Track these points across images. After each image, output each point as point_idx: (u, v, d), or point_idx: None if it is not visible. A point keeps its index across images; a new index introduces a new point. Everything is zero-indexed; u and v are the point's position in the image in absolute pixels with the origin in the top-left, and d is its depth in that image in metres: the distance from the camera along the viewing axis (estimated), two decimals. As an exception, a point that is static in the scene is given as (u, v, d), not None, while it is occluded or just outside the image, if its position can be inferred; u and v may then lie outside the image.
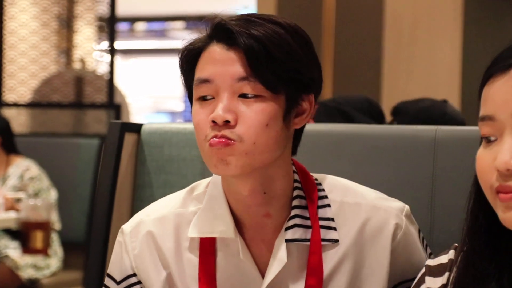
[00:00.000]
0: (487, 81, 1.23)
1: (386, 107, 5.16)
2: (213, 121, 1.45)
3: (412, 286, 1.46)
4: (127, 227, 1.71)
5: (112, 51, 5.58)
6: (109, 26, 5.69)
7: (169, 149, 2.18)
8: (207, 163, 1.53)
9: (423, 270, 1.44)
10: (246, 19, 1.52)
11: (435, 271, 1.42)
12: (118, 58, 5.84)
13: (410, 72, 5.71)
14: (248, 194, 1.54)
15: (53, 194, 4.88)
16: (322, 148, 2.00)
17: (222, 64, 1.50)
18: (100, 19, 9.10)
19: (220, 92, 1.48)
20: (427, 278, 1.42)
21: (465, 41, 5.67)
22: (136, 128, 2.21)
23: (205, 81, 1.50)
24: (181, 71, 1.62)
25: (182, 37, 2.53)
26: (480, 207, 1.30)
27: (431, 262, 1.44)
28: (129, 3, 11.53)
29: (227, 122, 1.45)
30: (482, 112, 1.22)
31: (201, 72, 1.52)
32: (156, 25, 16.39)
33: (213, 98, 1.50)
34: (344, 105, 3.51)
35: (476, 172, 1.25)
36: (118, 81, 5.80)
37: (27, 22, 6.80)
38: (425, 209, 1.81)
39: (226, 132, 1.45)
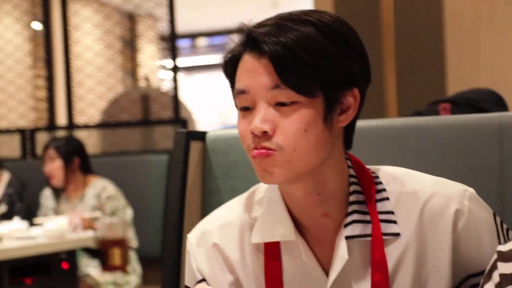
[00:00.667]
0: None
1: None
2: (252, 133, 1.46)
3: (485, 273, 1.44)
4: (192, 237, 1.74)
5: (175, 68, 5.61)
6: (170, 43, 5.71)
7: (233, 154, 2.18)
8: (255, 171, 1.54)
9: (495, 256, 1.42)
10: (277, 25, 1.50)
11: (507, 256, 1.41)
12: (181, 75, 5.85)
13: (475, 66, 5.62)
14: (302, 196, 1.55)
15: (129, 213, 4.95)
16: (385, 142, 1.99)
17: (255, 74, 1.50)
18: (162, 37, 9.24)
19: (257, 102, 1.49)
20: (499, 264, 1.40)
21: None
22: (201, 136, 2.23)
23: (242, 92, 1.50)
24: (227, 79, 1.62)
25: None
26: None
27: (502, 247, 1.42)
28: (189, 19, 11.65)
29: (265, 132, 1.45)
30: None
31: (238, 83, 1.52)
32: (217, 40, 16.35)
33: (253, 108, 1.50)
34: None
35: None
36: (183, 97, 5.83)
37: (92, 45, 6.90)
38: (494, 197, 1.77)
39: (266, 143, 1.45)
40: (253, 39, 1.48)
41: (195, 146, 2.22)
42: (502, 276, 1.39)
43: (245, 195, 1.72)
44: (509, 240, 1.53)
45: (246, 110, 1.50)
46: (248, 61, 1.50)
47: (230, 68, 1.56)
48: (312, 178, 1.52)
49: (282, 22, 1.48)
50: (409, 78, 5.75)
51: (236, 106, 1.59)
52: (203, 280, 1.71)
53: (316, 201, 1.55)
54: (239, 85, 1.51)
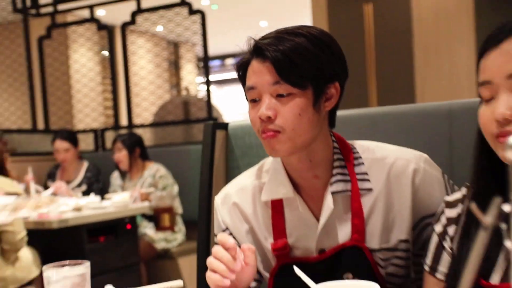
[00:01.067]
0: (483, 55, 1.25)
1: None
2: (260, 118, 1.50)
3: (435, 217, 1.48)
4: (218, 198, 1.77)
5: (208, 82, 5.59)
6: (204, 63, 5.73)
7: (249, 138, 2.18)
8: (265, 148, 1.56)
9: (443, 204, 1.46)
10: (277, 37, 1.53)
11: (452, 204, 1.44)
12: (213, 87, 5.88)
13: (437, 66, 5.53)
14: (299, 164, 1.58)
15: (175, 188, 5.05)
16: (366, 126, 1.99)
17: (260, 74, 1.52)
18: (198, 58, 9.27)
19: (262, 95, 1.52)
20: (446, 210, 1.44)
21: (477, 45, 5.45)
22: (224, 126, 2.25)
23: (251, 88, 1.54)
24: (239, 80, 1.65)
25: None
26: (483, 154, 1.32)
27: (448, 198, 1.47)
28: (219, 44, 11.57)
29: (269, 118, 1.49)
30: (481, 78, 1.25)
31: (248, 81, 1.56)
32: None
33: (260, 100, 1.54)
34: None
35: (480, 125, 1.28)
36: (214, 103, 5.88)
37: (145, 65, 6.97)
38: (445, 162, 1.73)
39: (270, 125, 1.49)
40: (258, 48, 1.51)
41: (219, 134, 2.24)
42: (448, 218, 1.43)
43: (256, 167, 1.75)
44: (453, 192, 1.53)
45: (254, 102, 1.54)
46: (255, 65, 1.53)
47: (241, 71, 1.59)
48: (306, 150, 1.55)
49: (280, 35, 1.52)
50: (386, 88, 5.70)
51: (247, 99, 1.61)
52: (227, 229, 1.73)
53: (309, 166, 1.59)
54: (248, 83, 1.54)
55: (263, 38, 1.55)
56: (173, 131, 5.69)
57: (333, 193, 1.57)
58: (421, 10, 5.61)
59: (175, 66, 8.80)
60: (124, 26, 6.11)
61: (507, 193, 1.23)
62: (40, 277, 3.82)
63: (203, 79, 6.12)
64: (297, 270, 1.33)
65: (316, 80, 1.54)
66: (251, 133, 2.14)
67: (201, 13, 5.65)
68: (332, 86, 1.57)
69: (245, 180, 1.74)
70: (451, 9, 5.54)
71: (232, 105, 15.47)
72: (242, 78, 1.61)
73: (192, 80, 7.35)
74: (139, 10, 5.88)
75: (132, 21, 5.97)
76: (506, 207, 0.68)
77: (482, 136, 1.31)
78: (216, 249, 1.42)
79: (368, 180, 1.60)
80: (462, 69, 5.39)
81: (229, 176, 2.25)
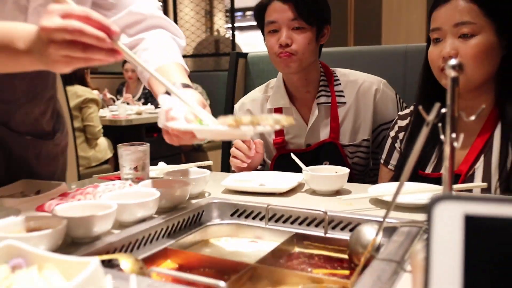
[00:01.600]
0: (436, 7, 1.25)
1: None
2: (280, 44, 1.50)
3: (390, 127, 1.50)
4: (236, 106, 1.79)
5: (233, 26, 5.53)
6: (231, 14, 5.63)
7: (262, 65, 2.18)
8: (277, 68, 1.58)
9: (396, 117, 1.48)
10: None
11: (403, 117, 1.46)
12: (237, 32, 5.77)
13: (398, 21, 5.35)
14: (298, 81, 1.59)
15: (208, 102, 4.92)
16: (345, 61, 1.91)
17: (281, 11, 1.51)
18: (226, 9, 9.05)
19: (282, 27, 1.51)
20: (398, 121, 1.46)
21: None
22: (245, 55, 2.24)
23: (272, 22, 1.53)
24: (256, 17, 1.61)
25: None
26: (427, 80, 1.32)
27: (401, 112, 1.49)
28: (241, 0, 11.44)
29: (287, 44, 1.50)
30: (433, 25, 1.26)
31: (269, 17, 1.53)
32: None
33: (277, 31, 1.53)
34: None
35: (429, 60, 1.28)
36: (238, 42, 5.78)
37: (188, 12, 6.82)
38: (400, 89, 1.67)
39: (287, 49, 1.50)
40: None
41: (241, 61, 2.23)
42: (399, 127, 1.45)
43: (264, 85, 1.75)
44: (404, 109, 1.53)
45: (273, 32, 1.53)
46: (277, 4, 1.51)
47: (261, 9, 1.57)
48: (305, 70, 1.55)
49: None
50: (360, 21, 5.51)
51: (262, 32, 1.61)
52: None
53: (304, 84, 1.60)
54: (270, 18, 1.53)
55: None
56: (207, 61, 5.63)
57: (318, 104, 1.59)
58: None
59: (210, 14, 8.61)
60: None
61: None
62: (112, 157, 3.96)
63: (229, 25, 5.93)
64: (293, 155, 1.33)
65: (319, 20, 1.54)
66: (264, 61, 2.18)
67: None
68: (326, 27, 1.58)
69: (255, 93, 1.74)
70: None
71: (249, 45, 15.19)
72: (261, 15, 1.58)
73: (222, 25, 7.20)
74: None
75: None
76: (443, 109, 0.69)
77: (427, 68, 1.31)
78: (237, 142, 1.45)
79: (343, 96, 1.60)
80: (416, 17, 5.18)
81: (247, 92, 2.14)
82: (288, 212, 1.01)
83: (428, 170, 1.33)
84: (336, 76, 1.63)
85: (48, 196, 1.04)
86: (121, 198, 0.95)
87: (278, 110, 1.63)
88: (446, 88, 1.17)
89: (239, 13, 15.42)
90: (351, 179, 1.29)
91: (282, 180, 1.26)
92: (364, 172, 1.62)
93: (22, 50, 0.79)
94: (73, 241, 0.83)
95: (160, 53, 1.13)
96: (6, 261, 0.64)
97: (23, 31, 0.79)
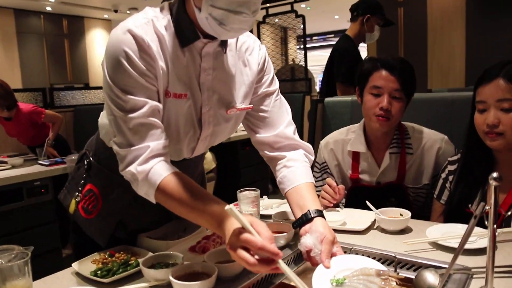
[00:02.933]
0: (481, 84, 1.28)
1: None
2: (381, 108, 1.48)
3: (442, 168, 1.49)
4: (322, 142, 1.73)
5: (305, 53, 5.56)
6: (303, 40, 5.64)
7: (335, 109, 2.15)
8: (371, 123, 1.53)
9: (447, 162, 1.48)
10: (399, 60, 1.50)
11: (452, 162, 1.47)
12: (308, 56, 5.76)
13: (440, 62, 5.17)
14: (379, 133, 1.56)
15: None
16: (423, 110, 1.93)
17: (387, 80, 1.48)
18: (298, 36, 9.03)
19: (384, 93, 1.48)
20: (448, 165, 1.47)
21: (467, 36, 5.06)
22: (322, 101, 2.23)
23: (377, 87, 1.49)
24: (359, 77, 1.56)
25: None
26: (472, 136, 1.34)
27: (450, 158, 1.48)
28: (312, 27, 11.37)
29: (387, 110, 1.48)
30: (479, 98, 1.29)
31: (375, 81, 1.50)
32: (322, 37, 15.21)
33: (379, 95, 1.49)
34: None
35: (475, 124, 1.31)
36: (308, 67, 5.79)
37: (269, 41, 6.88)
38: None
39: (386, 113, 1.48)
40: (390, 64, 1.48)
41: (319, 105, 2.23)
42: (449, 170, 1.46)
43: (346, 128, 1.71)
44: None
45: (376, 96, 1.49)
46: (385, 73, 1.48)
47: (368, 74, 1.52)
48: (387, 130, 1.55)
49: (399, 61, 1.50)
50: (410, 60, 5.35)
51: (361, 88, 1.55)
52: (324, 162, 1.71)
53: (383, 136, 1.57)
54: (376, 83, 1.49)
55: (389, 59, 1.50)
56: (285, 84, 5.69)
57: (390, 153, 1.57)
58: (431, 12, 5.21)
59: (284, 42, 8.71)
60: (259, 23, 6.08)
61: (488, 163, 1.27)
62: (215, 168, 4.05)
63: (301, 46, 5.89)
64: (368, 203, 1.37)
65: (411, 94, 1.53)
66: (338, 105, 2.17)
67: (303, 16, 5.52)
68: (410, 99, 1.55)
69: (338, 135, 1.71)
70: (450, 9, 5.10)
71: (312, 61, 14.95)
72: (365, 77, 1.53)
73: (295, 53, 7.23)
74: (267, 15, 5.80)
75: (263, 21, 5.90)
76: (486, 207, 0.76)
77: (473, 128, 1.34)
78: (325, 187, 1.47)
79: (411, 148, 1.57)
80: (456, 54, 4.99)
81: (325, 129, 2.22)
82: (366, 253, 1.11)
83: (474, 207, 1.36)
84: (407, 130, 1.61)
85: (194, 238, 1.21)
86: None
87: (356, 153, 1.63)
88: (490, 147, 1.21)
89: (308, 38, 15.26)
90: (413, 211, 1.32)
91: (359, 219, 1.35)
92: (423, 207, 1.61)
93: (219, 230, 0.89)
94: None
95: (299, 172, 1.16)
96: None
97: (224, 227, 0.87)
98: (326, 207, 1.48)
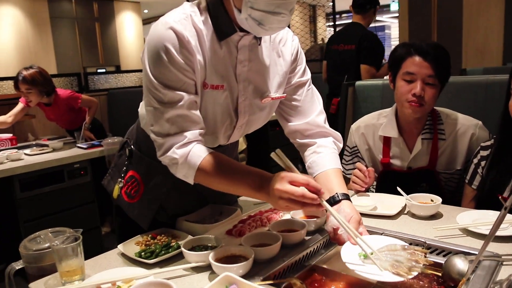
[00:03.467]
0: None
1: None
2: (414, 94, 1.47)
3: (474, 154, 1.49)
4: (353, 126, 1.75)
5: (335, 29, 5.47)
6: (332, 18, 5.54)
7: (366, 92, 2.16)
8: (403, 109, 1.52)
9: (479, 147, 1.48)
10: (434, 46, 1.48)
11: (485, 148, 1.47)
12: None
13: (476, 39, 4.98)
14: (413, 119, 1.56)
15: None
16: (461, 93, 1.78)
17: (421, 67, 1.47)
18: (327, 14, 8.89)
19: (417, 79, 1.48)
20: (481, 151, 1.47)
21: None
22: (353, 84, 2.23)
23: (411, 73, 1.49)
24: (392, 62, 1.56)
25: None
26: (506, 123, 1.34)
27: (483, 144, 1.48)
28: (341, 4, 11.10)
29: (420, 95, 1.48)
30: None
31: (408, 68, 1.49)
32: (351, 14, 14.42)
33: (412, 82, 1.49)
34: None
35: (510, 109, 1.30)
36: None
37: (298, 20, 6.80)
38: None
39: (419, 99, 1.48)
40: (423, 50, 1.47)
41: (350, 89, 2.24)
42: (481, 156, 1.46)
43: (377, 112, 1.72)
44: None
45: (408, 82, 1.49)
46: (418, 60, 1.47)
47: (401, 59, 1.51)
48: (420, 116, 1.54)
49: (434, 46, 1.48)
50: (446, 37, 5.20)
51: (394, 74, 1.54)
52: (355, 146, 1.72)
53: (415, 121, 1.58)
54: (409, 69, 1.47)
55: (423, 45, 1.48)
56: (314, 64, 5.64)
57: (422, 139, 1.58)
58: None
59: (314, 21, 8.58)
60: None
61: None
62: (246, 149, 4.02)
63: (331, 23, 5.81)
64: (399, 189, 1.38)
65: (445, 80, 1.52)
66: (368, 89, 2.17)
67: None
68: (445, 85, 1.54)
69: (369, 119, 1.72)
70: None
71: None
72: (398, 62, 1.52)
73: (324, 31, 7.11)
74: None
75: None
76: None
77: (507, 113, 1.33)
78: (355, 171, 1.50)
79: (444, 133, 1.57)
80: (494, 32, 4.79)
81: (356, 113, 2.23)
82: (397, 238, 1.14)
83: (506, 193, 1.37)
84: (440, 116, 1.60)
85: (231, 222, 1.27)
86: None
87: (388, 138, 1.63)
88: None
89: (337, 16, 14.92)
90: (444, 197, 1.33)
91: (389, 204, 1.38)
92: (454, 193, 1.62)
93: (259, 193, 0.96)
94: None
95: (328, 158, 1.21)
96: (227, 286, 0.88)
97: (266, 185, 0.94)
98: (357, 191, 1.51)
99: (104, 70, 8.43)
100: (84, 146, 3.15)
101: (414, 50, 1.49)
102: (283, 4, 0.94)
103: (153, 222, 1.27)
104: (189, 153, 1.01)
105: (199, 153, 1.01)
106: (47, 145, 3.19)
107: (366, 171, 1.47)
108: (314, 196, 0.90)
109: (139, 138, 1.28)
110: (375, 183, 1.70)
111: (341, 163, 1.40)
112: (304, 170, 1.22)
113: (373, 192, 1.71)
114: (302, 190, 0.89)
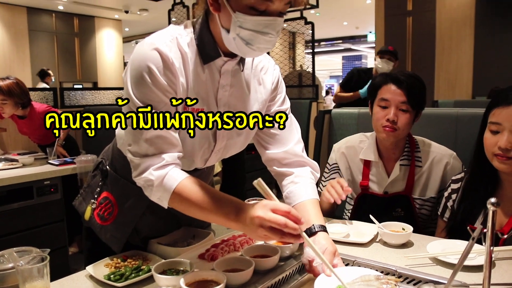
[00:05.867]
0: (497, 106, 1.27)
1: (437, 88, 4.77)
2: (388, 119, 1.52)
3: (446, 187, 1.51)
4: (335, 146, 1.77)
5: (313, 59, 5.59)
6: (311, 45, 5.64)
7: (342, 120, 2.18)
8: (378, 134, 1.57)
9: (450, 181, 1.50)
10: (407, 75, 1.53)
11: (455, 181, 1.48)
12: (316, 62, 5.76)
13: (448, 71, 5.20)
14: (389, 145, 1.60)
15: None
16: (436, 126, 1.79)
17: (394, 94, 1.53)
18: (306, 41, 9.06)
19: (391, 105, 1.53)
20: (451, 184, 1.48)
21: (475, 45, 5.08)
22: (329, 112, 2.25)
23: (385, 100, 1.54)
24: (370, 90, 1.61)
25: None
26: (479, 158, 1.36)
27: (454, 177, 1.50)
28: (320, 32, 11.41)
29: (393, 121, 1.52)
30: (493, 119, 1.28)
31: (383, 94, 1.55)
32: (329, 43, 15.03)
33: (386, 107, 1.54)
34: None
35: (484, 144, 1.31)
36: (316, 73, 5.79)
37: (278, 46, 6.89)
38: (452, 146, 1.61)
39: (393, 124, 1.52)
40: (398, 79, 1.53)
41: (326, 116, 2.25)
42: (452, 189, 1.48)
43: (358, 135, 1.75)
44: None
45: (383, 108, 1.54)
46: (393, 87, 1.53)
47: (378, 87, 1.57)
48: (397, 142, 1.60)
49: (407, 75, 1.54)
50: (415, 69, 5.40)
51: (372, 101, 1.60)
52: (335, 163, 1.73)
53: (393, 147, 1.61)
54: (384, 96, 1.54)
55: (398, 74, 1.54)
56: (292, 91, 5.70)
57: (400, 164, 1.60)
58: (440, 22, 5.26)
59: (293, 48, 8.74)
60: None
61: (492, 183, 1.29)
62: (221, 172, 3.99)
63: (309, 51, 5.88)
64: (371, 217, 1.39)
65: (419, 107, 1.56)
66: (344, 117, 2.19)
67: (312, 23, 5.55)
68: (420, 112, 1.59)
69: (352, 142, 1.74)
70: (459, 20, 5.14)
71: (320, 65, 14.93)
72: (375, 89, 1.59)
73: (303, 58, 7.21)
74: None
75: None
76: (484, 230, 0.80)
77: (481, 146, 1.34)
78: (333, 181, 1.47)
79: (420, 161, 1.60)
80: (464, 67, 5.01)
81: (331, 139, 2.25)
82: (369, 266, 1.15)
83: (477, 224, 1.38)
84: (417, 144, 1.64)
85: (203, 246, 1.24)
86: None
87: (368, 161, 1.66)
88: (497, 168, 1.22)
89: (316, 43, 15.27)
90: (417, 225, 1.36)
91: (362, 231, 1.39)
92: (428, 220, 1.64)
93: (235, 222, 0.94)
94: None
95: (306, 189, 1.21)
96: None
97: (242, 214, 0.92)
98: (326, 202, 1.47)
99: (81, 86, 8.35)
100: (56, 163, 3.07)
101: (390, 79, 1.56)
102: (271, 24, 0.96)
103: (124, 245, 1.25)
104: (165, 176, 1.00)
105: (175, 177, 1.00)
106: (17, 160, 3.11)
107: (345, 187, 1.44)
108: (296, 226, 0.88)
109: (115, 158, 1.26)
110: (350, 207, 1.71)
111: (320, 179, 1.38)
112: (278, 194, 1.21)
113: (348, 216, 1.73)
114: (284, 219, 0.88)
